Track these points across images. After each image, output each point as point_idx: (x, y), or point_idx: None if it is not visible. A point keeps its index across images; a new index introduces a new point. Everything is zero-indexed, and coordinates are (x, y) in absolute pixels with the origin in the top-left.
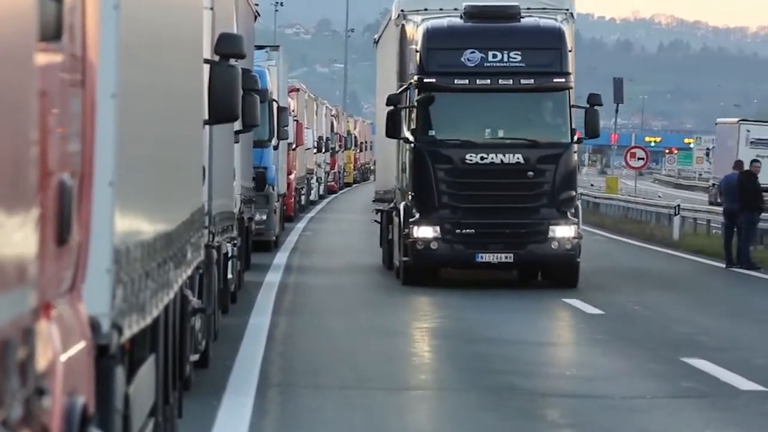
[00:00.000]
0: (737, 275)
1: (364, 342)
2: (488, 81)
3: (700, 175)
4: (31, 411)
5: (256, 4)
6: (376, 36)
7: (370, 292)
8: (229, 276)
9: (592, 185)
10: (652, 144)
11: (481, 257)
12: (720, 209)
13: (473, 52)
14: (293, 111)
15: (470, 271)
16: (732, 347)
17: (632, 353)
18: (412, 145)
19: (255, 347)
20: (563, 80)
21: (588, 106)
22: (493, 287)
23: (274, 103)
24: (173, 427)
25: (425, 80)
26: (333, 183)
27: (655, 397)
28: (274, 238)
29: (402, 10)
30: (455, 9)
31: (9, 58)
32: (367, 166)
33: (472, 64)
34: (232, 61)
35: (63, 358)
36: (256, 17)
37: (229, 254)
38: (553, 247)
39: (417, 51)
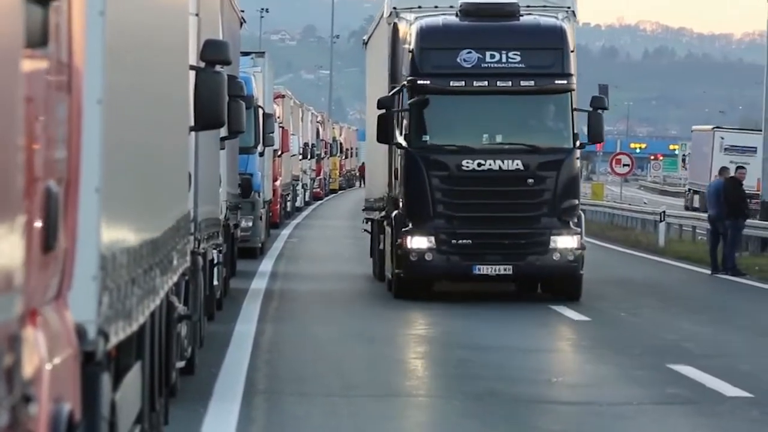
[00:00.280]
0: (723, 282)
1: (351, 349)
2: (486, 83)
3: (687, 180)
4: (18, 418)
5: (242, 11)
6: (365, 37)
7: (356, 299)
8: (215, 283)
9: None
10: (638, 150)
11: (479, 269)
12: (704, 215)
13: (470, 53)
14: (279, 117)
15: (465, 283)
16: (718, 354)
17: (618, 360)
18: (405, 150)
19: (241, 354)
20: (565, 82)
21: (591, 109)
22: (478, 294)
23: (260, 109)
24: None
25: (419, 82)
26: (319, 189)
27: (641, 404)
28: (259, 244)
29: (394, 8)
30: (450, 6)
31: None
32: (352, 172)
33: (469, 65)
34: (218, 68)
35: (49, 365)
36: (241, 23)
37: (215, 261)
38: (554, 258)
39: (410, 51)
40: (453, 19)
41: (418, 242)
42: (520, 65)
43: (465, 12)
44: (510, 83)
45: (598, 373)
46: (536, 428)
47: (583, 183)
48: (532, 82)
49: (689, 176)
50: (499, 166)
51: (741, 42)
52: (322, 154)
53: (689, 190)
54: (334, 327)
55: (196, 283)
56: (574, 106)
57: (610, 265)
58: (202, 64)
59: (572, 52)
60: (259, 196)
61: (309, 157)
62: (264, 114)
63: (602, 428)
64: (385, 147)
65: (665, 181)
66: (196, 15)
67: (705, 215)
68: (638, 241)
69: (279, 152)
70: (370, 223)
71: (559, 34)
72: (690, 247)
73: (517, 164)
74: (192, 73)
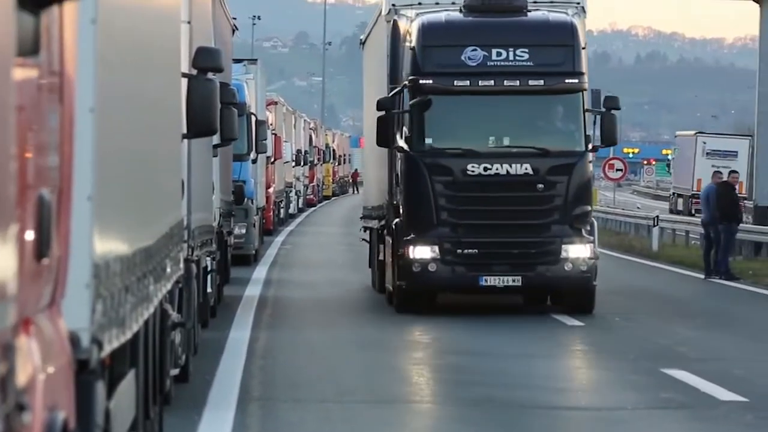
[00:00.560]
0: (717, 286)
1: (345, 355)
2: (492, 82)
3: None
4: (12, 427)
5: (234, 18)
6: (362, 36)
7: (350, 305)
8: (209, 290)
9: None
10: (631, 155)
11: (486, 280)
12: (697, 220)
13: (475, 50)
14: (271, 124)
15: (470, 295)
16: (712, 358)
17: (612, 365)
18: (407, 154)
19: (235, 361)
20: (576, 81)
21: (604, 110)
22: (475, 302)
23: (253, 116)
24: None
25: (421, 81)
26: (312, 196)
27: (636, 409)
28: (253, 251)
29: (393, 5)
30: (453, 2)
31: None
32: (345, 179)
33: (474, 64)
34: (210, 75)
35: (43, 373)
36: (233, 31)
37: (209, 268)
38: (566, 268)
39: (411, 49)
40: (457, 14)
41: (421, 252)
42: (529, 63)
43: (469, 7)
44: (518, 82)
45: (593, 377)
46: None
47: None
48: (541, 81)
49: (673, 180)
50: (507, 171)
51: (733, 46)
52: (315, 161)
53: (674, 193)
54: (328, 333)
55: (189, 290)
56: (586, 107)
57: (604, 270)
58: (195, 72)
59: (583, 48)
60: (252, 203)
61: (302, 163)
62: (257, 121)
63: None
64: (385, 151)
65: (658, 186)
66: (188, 22)
67: (698, 220)
68: (632, 245)
69: (272, 159)
70: (368, 232)
71: (569, 29)
72: (683, 252)
73: (526, 169)
74: (184, 81)
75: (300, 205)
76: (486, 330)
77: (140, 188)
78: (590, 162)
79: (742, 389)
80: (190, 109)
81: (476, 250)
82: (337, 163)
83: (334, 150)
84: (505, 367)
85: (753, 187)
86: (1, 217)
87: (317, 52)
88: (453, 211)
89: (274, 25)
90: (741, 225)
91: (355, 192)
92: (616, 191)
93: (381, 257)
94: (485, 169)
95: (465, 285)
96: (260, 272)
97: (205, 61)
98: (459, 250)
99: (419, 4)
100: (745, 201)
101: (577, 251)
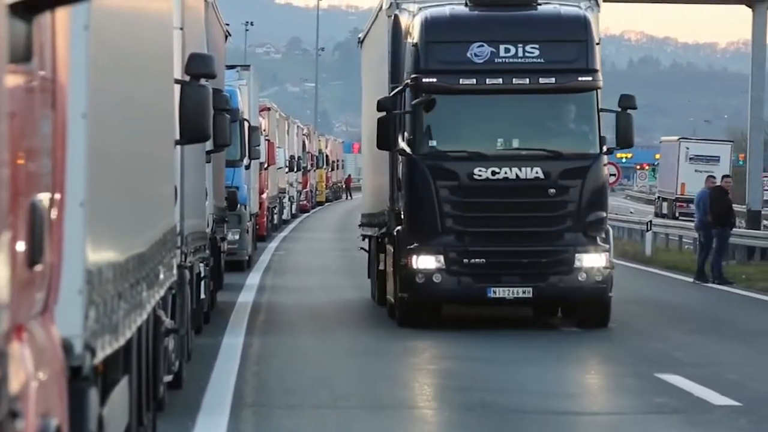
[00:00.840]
0: (710, 290)
1: (339, 361)
2: (500, 80)
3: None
4: None
5: (227, 24)
6: (360, 35)
7: (344, 311)
8: (202, 296)
9: None
10: (624, 160)
11: (494, 292)
12: (690, 224)
13: (481, 46)
14: (264, 130)
15: (478, 307)
16: (706, 363)
17: (606, 369)
18: (409, 157)
19: (229, 367)
20: (590, 78)
21: (619, 109)
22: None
23: (246, 122)
24: None
25: (424, 80)
26: (305, 202)
27: (630, 413)
28: (246, 257)
29: None
30: None
31: None
32: (339, 184)
33: (481, 60)
34: (203, 81)
35: (36, 380)
36: (226, 37)
37: (202, 274)
38: (580, 279)
39: (414, 45)
40: (462, 8)
41: (425, 262)
42: (539, 60)
43: (476, 1)
44: (527, 80)
45: (587, 382)
46: None
47: None
48: (552, 79)
49: (658, 184)
50: (516, 175)
51: (726, 51)
52: (308, 167)
53: (659, 197)
54: (322, 339)
55: (183, 296)
56: (600, 106)
57: None
58: (187, 78)
59: (598, 44)
60: (245, 209)
61: (295, 169)
62: (250, 127)
63: None
64: (384, 155)
65: (651, 191)
66: (181, 29)
67: (691, 224)
68: (625, 250)
69: (265, 165)
70: (367, 240)
71: (582, 24)
72: (677, 256)
73: (537, 172)
74: (177, 87)
75: (293, 211)
76: (478, 336)
77: (133, 195)
78: (605, 165)
79: (735, 394)
80: (183, 116)
81: (484, 260)
82: (330, 169)
83: (327, 156)
84: (499, 372)
85: (746, 191)
86: None
87: (310, 58)
88: (459, 218)
89: (267, 31)
90: (734, 229)
91: (349, 198)
92: (610, 196)
93: (381, 267)
94: (493, 173)
95: (472, 297)
96: (254, 278)
97: (198, 67)
98: (465, 260)
99: None
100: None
101: (592, 260)
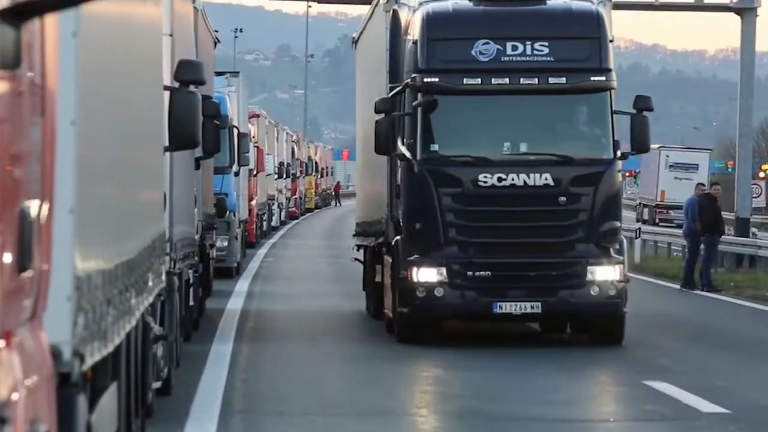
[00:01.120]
0: (698, 297)
1: (328, 368)
2: (506, 80)
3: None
4: None
5: (216, 31)
6: (354, 34)
7: (333, 318)
8: (191, 303)
9: None
10: None
11: (500, 307)
12: (678, 231)
13: (487, 44)
14: (254, 137)
15: (482, 323)
16: (694, 370)
17: (595, 377)
18: (409, 162)
19: (217, 374)
20: (603, 78)
21: (635, 111)
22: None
23: (235, 129)
24: None
25: (425, 80)
26: (294, 209)
27: (619, 421)
28: (235, 264)
29: None
30: None
31: None
32: (328, 191)
33: (486, 59)
34: (192, 88)
35: (24, 386)
36: (215, 43)
37: (191, 281)
38: (592, 293)
39: (414, 43)
40: (466, 3)
41: (427, 274)
42: (549, 58)
43: None
44: (536, 80)
45: (576, 389)
46: None
47: None
48: (563, 79)
49: (640, 191)
50: (524, 182)
51: (714, 58)
52: (298, 174)
53: (640, 203)
54: (311, 346)
55: (171, 303)
56: (613, 108)
57: None
58: (177, 85)
59: (611, 42)
60: (234, 215)
61: (284, 176)
62: (239, 134)
63: None
64: (381, 159)
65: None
66: (170, 35)
67: (679, 232)
68: None
69: (254, 172)
70: (362, 250)
71: (595, 20)
72: (665, 264)
73: (546, 179)
74: (166, 94)
75: (282, 218)
76: (469, 343)
77: (122, 201)
78: (619, 171)
79: (724, 401)
80: (172, 122)
81: (489, 273)
82: (319, 176)
83: (316, 162)
84: (488, 379)
85: (735, 199)
86: None
87: (299, 65)
88: (462, 228)
89: (256, 37)
90: (723, 237)
91: (338, 204)
92: None
93: (378, 279)
94: (499, 179)
95: (476, 312)
96: (243, 285)
97: (187, 73)
98: (469, 273)
99: None
100: None
101: (605, 273)
